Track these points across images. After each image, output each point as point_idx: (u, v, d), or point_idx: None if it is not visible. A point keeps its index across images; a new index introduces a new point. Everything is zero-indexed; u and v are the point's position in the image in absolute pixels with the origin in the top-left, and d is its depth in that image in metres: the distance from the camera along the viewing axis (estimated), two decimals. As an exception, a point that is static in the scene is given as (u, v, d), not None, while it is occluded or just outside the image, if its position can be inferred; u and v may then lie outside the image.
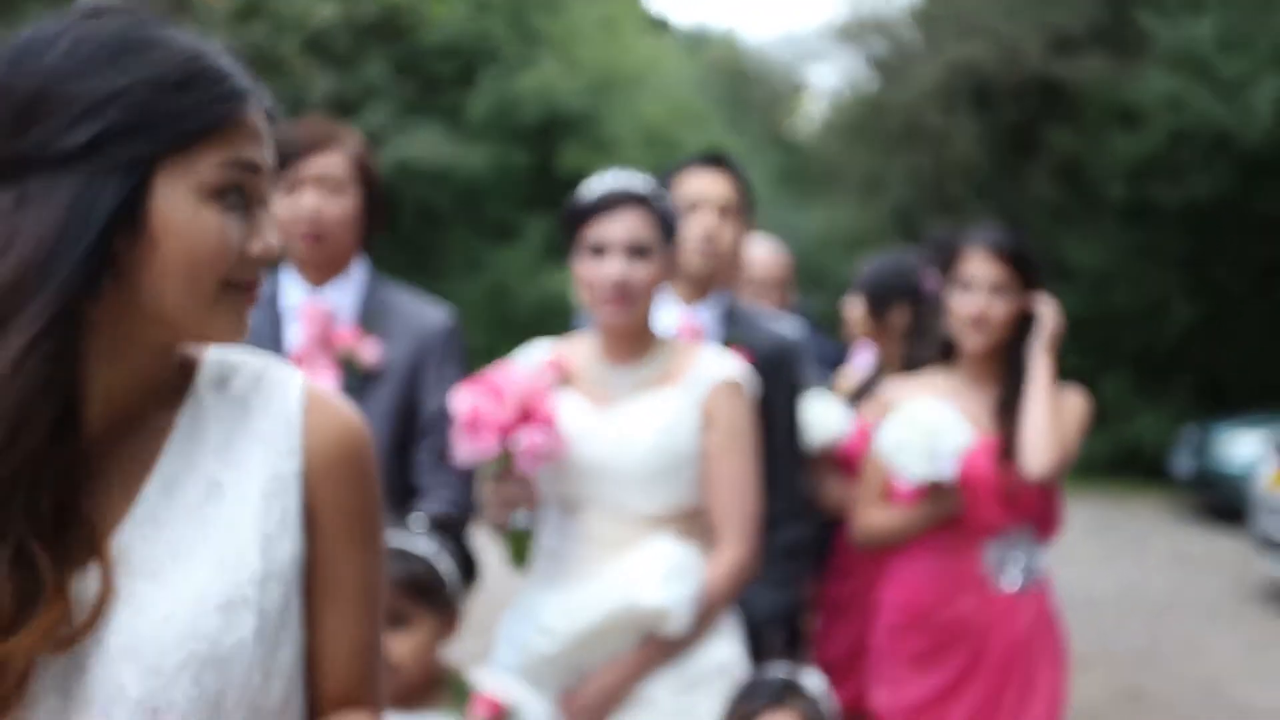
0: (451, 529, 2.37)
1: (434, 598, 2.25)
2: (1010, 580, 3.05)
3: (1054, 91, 16.39)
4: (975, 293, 3.02)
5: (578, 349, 2.67)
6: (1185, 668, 7.15)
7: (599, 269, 2.52)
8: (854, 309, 3.85)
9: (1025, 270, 3.04)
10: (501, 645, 2.59)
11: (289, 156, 2.69)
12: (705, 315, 3.08)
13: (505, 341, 16.43)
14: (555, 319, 15.19)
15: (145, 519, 1.14)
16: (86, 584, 1.10)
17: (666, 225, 2.58)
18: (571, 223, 2.58)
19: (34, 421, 1.06)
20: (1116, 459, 14.55)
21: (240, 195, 1.13)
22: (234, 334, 1.17)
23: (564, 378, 2.60)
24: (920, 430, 2.92)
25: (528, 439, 2.39)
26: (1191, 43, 15.07)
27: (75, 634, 1.08)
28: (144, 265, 1.10)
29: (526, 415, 2.40)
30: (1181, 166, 15.12)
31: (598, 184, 2.59)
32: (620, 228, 2.52)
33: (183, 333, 1.15)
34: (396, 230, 16.59)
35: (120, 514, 1.14)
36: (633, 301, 2.52)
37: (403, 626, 2.21)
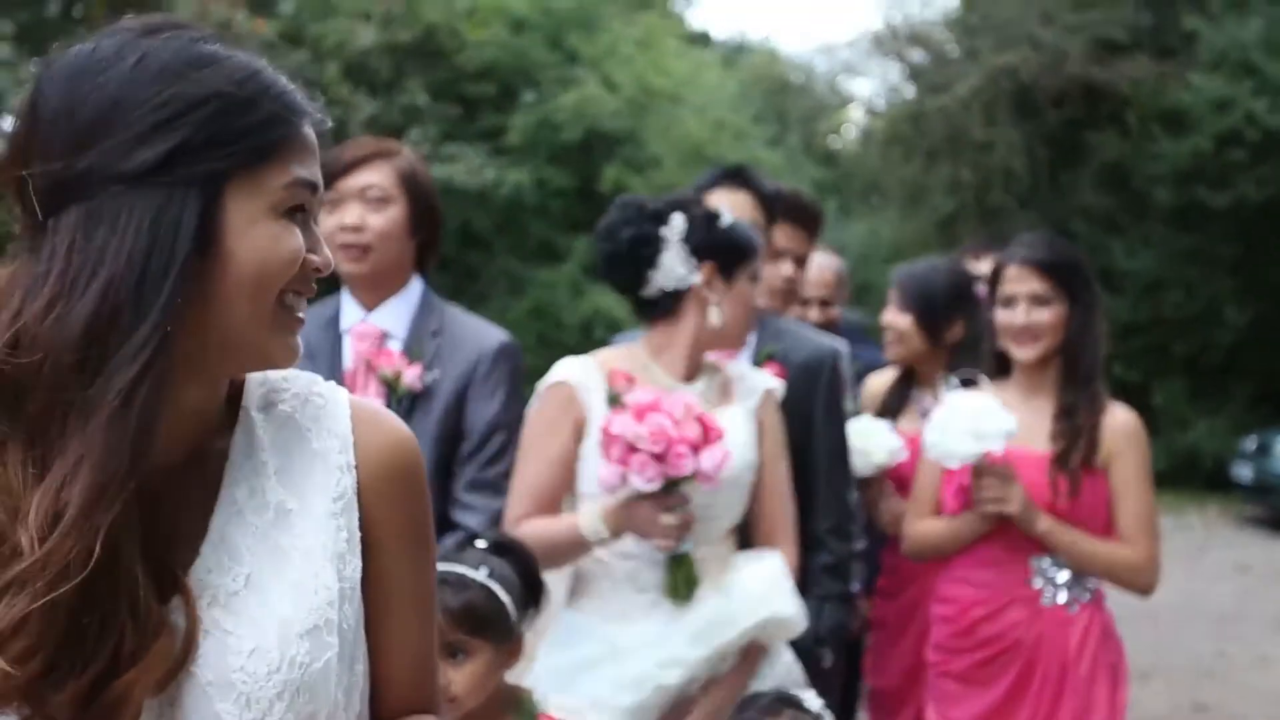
0: (516, 552, 2.29)
1: (494, 628, 2.13)
2: (1058, 595, 3.01)
3: (1097, 97, 16.23)
4: (1016, 307, 3.05)
5: (633, 364, 2.63)
6: (1251, 679, 6.99)
7: (755, 293, 2.70)
8: (901, 321, 3.73)
9: (1064, 278, 3.04)
10: (581, 678, 2.48)
11: (332, 174, 2.70)
12: None
13: (550, 362, 16.44)
14: (599, 338, 15.22)
15: (218, 550, 1.13)
16: (172, 619, 1.08)
17: None
18: (739, 255, 2.63)
19: (147, 450, 1.03)
20: (1173, 468, 14.30)
21: (303, 212, 1.14)
22: (291, 357, 1.16)
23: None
24: (964, 413, 2.93)
25: (716, 454, 2.36)
26: (1238, 44, 14.87)
27: (174, 668, 1.07)
28: (215, 282, 1.08)
29: (706, 429, 2.36)
30: (1230, 169, 14.90)
31: (735, 220, 2.68)
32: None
33: (243, 356, 1.14)
34: (431, 247, 16.62)
35: (192, 545, 1.13)
36: None
37: (462, 657, 2.09)
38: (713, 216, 2.61)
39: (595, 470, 2.49)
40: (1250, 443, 13.10)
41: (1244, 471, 12.91)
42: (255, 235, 1.09)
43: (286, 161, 1.12)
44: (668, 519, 2.37)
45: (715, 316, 2.60)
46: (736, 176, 3.13)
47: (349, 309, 2.80)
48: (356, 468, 1.19)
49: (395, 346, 2.74)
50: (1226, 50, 15.00)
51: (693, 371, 2.62)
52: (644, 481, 2.34)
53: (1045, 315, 3.03)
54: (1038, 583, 3.02)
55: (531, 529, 2.51)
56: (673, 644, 2.44)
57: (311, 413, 1.21)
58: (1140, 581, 3.02)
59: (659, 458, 2.31)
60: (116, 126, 1.05)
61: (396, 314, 2.77)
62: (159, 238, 1.04)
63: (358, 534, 1.18)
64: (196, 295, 1.07)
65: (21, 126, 1.08)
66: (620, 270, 2.62)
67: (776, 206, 3.18)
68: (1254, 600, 9.20)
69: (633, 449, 2.34)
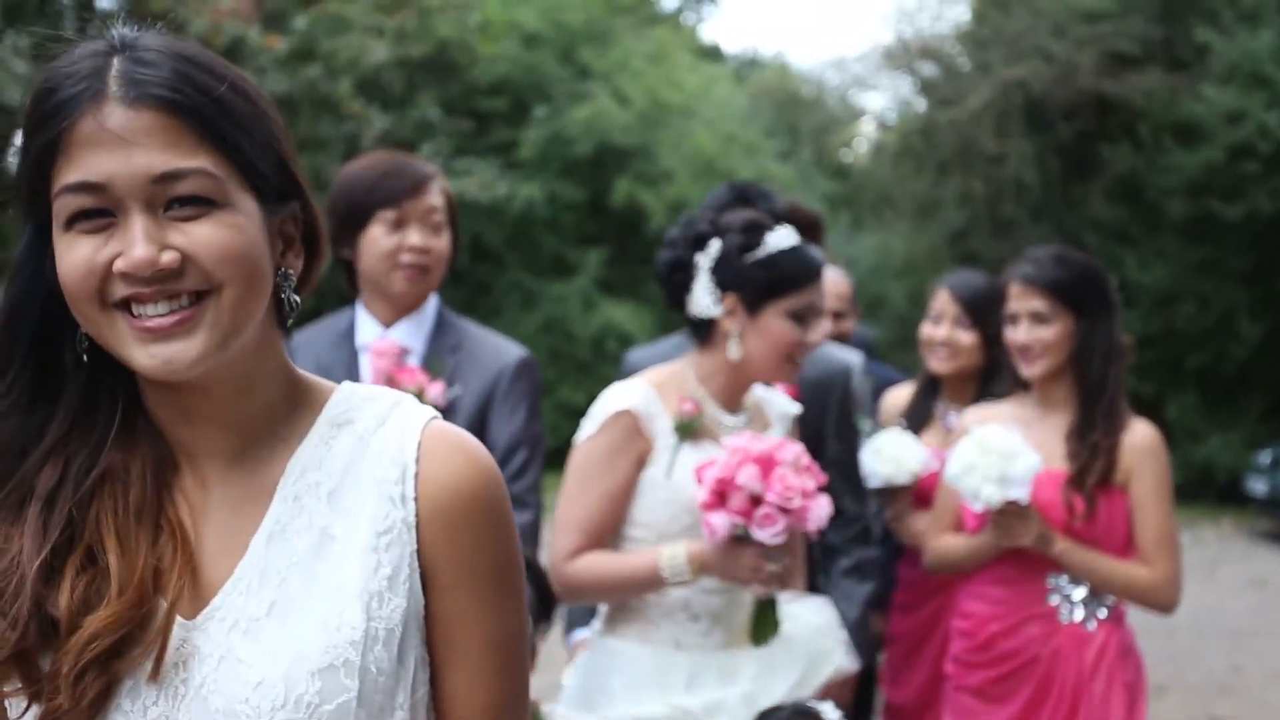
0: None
1: None
2: (1075, 612, 2.99)
3: (1109, 109, 16.23)
4: (1018, 326, 3.04)
5: (688, 393, 2.56)
6: (1267, 694, 6.96)
7: (805, 334, 2.53)
8: (965, 337, 3.65)
9: (1066, 294, 3.00)
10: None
11: (398, 193, 2.69)
12: None
13: (561, 375, 16.32)
14: (610, 352, 15.24)
15: (250, 571, 1.11)
16: (191, 632, 1.09)
17: None
18: (781, 286, 2.51)
19: (25, 437, 1.11)
20: (1186, 482, 14.23)
21: (103, 215, 1.07)
22: (152, 365, 1.08)
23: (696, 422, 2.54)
24: (992, 454, 2.88)
25: (825, 503, 2.33)
26: (1250, 57, 14.86)
27: (146, 656, 1.06)
28: None
29: (818, 481, 2.33)
30: (1242, 181, 14.88)
31: (790, 242, 2.55)
32: (823, 295, 2.60)
33: (126, 364, 1.11)
34: (452, 266, 16.66)
35: (230, 560, 1.12)
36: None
37: None
38: (748, 246, 2.51)
39: (661, 501, 2.46)
40: (1264, 456, 13.05)
41: (1258, 485, 12.86)
42: (58, 253, 1.09)
43: (59, 171, 1.08)
44: (772, 567, 2.34)
45: (733, 350, 2.52)
46: (741, 199, 3.08)
47: (365, 324, 2.80)
48: (416, 500, 1.12)
49: (413, 362, 2.75)
50: (1238, 62, 15.00)
51: (736, 401, 2.58)
52: (770, 535, 2.28)
53: (1046, 333, 3.00)
54: (1054, 600, 3.00)
55: (592, 564, 2.45)
56: (751, 713, 2.38)
57: (382, 436, 1.15)
58: (1159, 600, 3.00)
59: (787, 511, 2.27)
60: None
61: (414, 330, 2.78)
62: (18, 261, 1.13)
63: (406, 571, 1.11)
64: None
65: None
66: (663, 289, 2.61)
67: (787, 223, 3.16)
68: (1269, 615, 9.16)
69: (757, 500, 2.28)
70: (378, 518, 1.12)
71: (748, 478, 2.26)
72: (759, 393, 2.66)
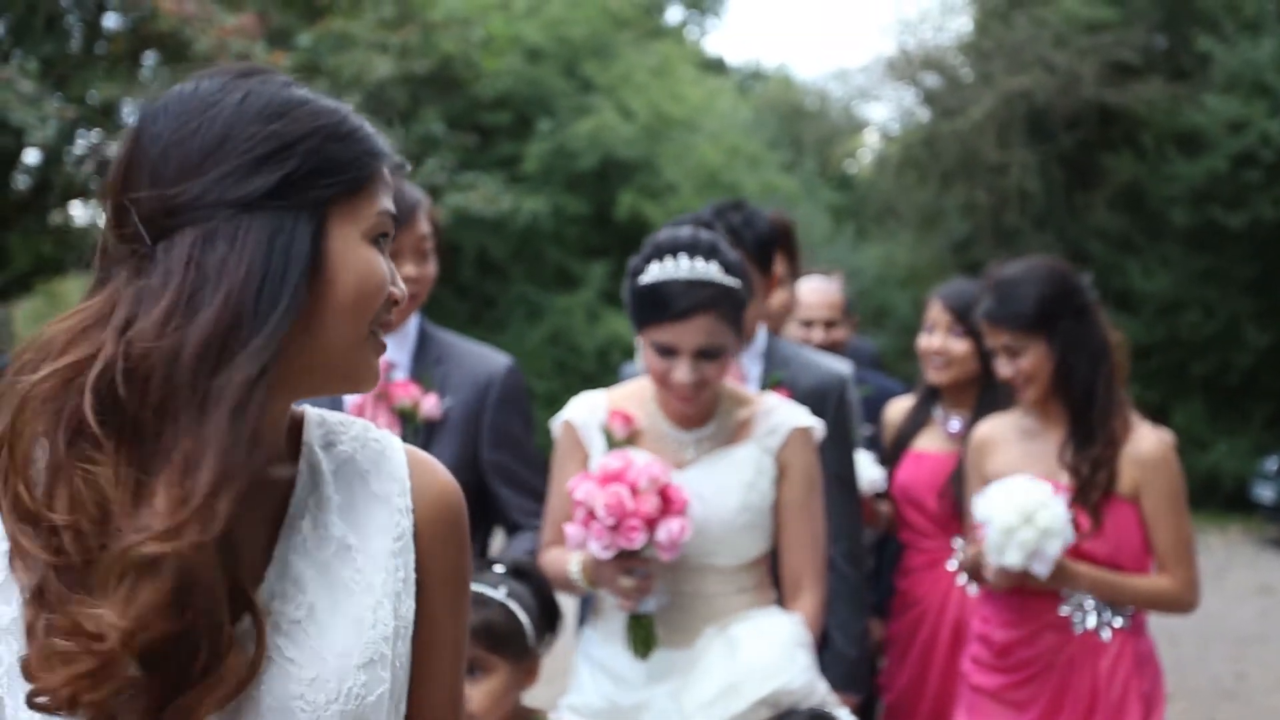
0: (533, 577, 2.36)
1: (512, 645, 2.22)
2: (1088, 620, 3.00)
3: (1111, 118, 16.25)
4: (997, 360, 3.07)
5: (637, 404, 2.62)
6: (1272, 701, 6.96)
7: (670, 370, 2.44)
8: (957, 347, 3.67)
9: (1029, 321, 2.98)
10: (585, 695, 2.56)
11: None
12: (743, 357, 3.05)
13: (567, 387, 16.37)
14: (615, 364, 15.25)
15: (283, 577, 1.16)
16: (240, 639, 1.11)
17: (740, 305, 2.47)
18: (639, 317, 2.47)
19: (257, 449, 1.06)
20: (1193, 490, 14.15)
21: (386, 241, 1.21)
22: (374, 381, 1.22)
23: (633, 436, 2.57)
24: (1033, 528, 2.86)
25: (673, 527, 2.36)
26: (1251, 66, 14.89)
27: (239, 688, 1.09)
28: (320, 302, 1.14)
29: (667, 502, 2.37)
30: (1245, 189, 14.90)
31: (665, 275, 2.42)
32: (691, 336, 2.40)
33: (333, 377, 1.19)
34: (457, 280, 16.76)
35: (255, 570, 1.16)
36: (704, 394, 2.49)
37: (480, 674, 2.18)
38: (638, 270, 2.47)
39: None
40: (1271, 463, 13.04)
41: (1265, 492, 12.85)
42: (354, 259, 1.17)
43: (376, 193, 1.20)
44: (625, 582, 2.40)
45: (638, 363, 2.58)
46: (719, 217, 2.98)
47: None
48: (414, 511, 1.23)
49: (400, 377, 2.77)
50: (1240, 71, 15.02)
51: (691, 416, 2.56)
52: (600, 549, 2.37)
53: (1023, 363, 3.00)
54: (1066, 609, 3.01)
55: (549, 559, 2.58)
56: (682, 713, 2.43)
57: (371, 455, 1.25)
58: (1181, 606, 3.02)
59: (613, 529, 2.34)
60: (227, 156, 1.12)
61: (398, 345, 2.80)
62: (274, 255, 1.11)
63: (413, 575, 1.22)
64: (302, 314, 1.13)
65: (125, 158, 1.14)
66: None
67: (771, 242, 3.08)
68: (1275, 621, 9.14)
69: (593, 515, 2.37)
70: (390, 526, 1.21)
71: (585, 492, 2.36)
72: (770, 403, 2.62)
